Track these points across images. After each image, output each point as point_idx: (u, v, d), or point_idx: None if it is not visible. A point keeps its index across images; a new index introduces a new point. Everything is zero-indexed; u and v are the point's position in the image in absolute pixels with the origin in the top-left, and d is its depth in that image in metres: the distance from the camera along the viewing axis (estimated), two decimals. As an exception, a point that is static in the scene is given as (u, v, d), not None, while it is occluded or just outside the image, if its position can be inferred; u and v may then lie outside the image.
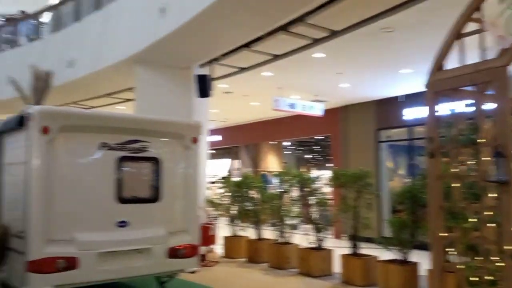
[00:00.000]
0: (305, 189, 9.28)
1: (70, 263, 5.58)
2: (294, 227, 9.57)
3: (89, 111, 12.09)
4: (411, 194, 7.22)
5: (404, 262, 7.24)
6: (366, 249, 8.32)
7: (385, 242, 7.48)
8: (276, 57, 9.13)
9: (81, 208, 5.85)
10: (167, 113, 8.57)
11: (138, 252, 6.10)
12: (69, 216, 5.75)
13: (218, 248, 10.38)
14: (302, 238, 9.36)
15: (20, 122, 5.94)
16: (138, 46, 8.94)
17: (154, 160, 6.46)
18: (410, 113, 12.11)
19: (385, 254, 7.65)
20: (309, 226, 9.21)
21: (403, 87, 11.44)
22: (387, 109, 12.85)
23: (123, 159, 6.17)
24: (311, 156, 30.43)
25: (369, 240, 8.43)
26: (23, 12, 14.99)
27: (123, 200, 6.10)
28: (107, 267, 5.83)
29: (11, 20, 15.42)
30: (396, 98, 12.33)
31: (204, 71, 9.57)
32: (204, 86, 9.27)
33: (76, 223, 5.77)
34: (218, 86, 10.71)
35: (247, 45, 8.51)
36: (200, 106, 9.82)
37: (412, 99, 11.79)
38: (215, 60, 9.39)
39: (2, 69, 12.32)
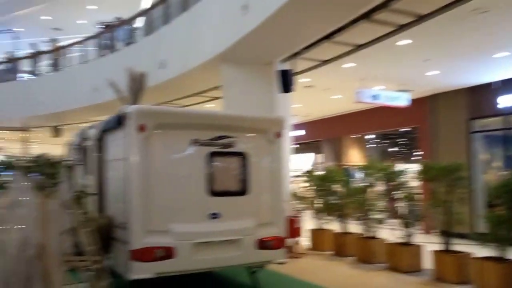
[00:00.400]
0: (391, 183, 9.07)
1: (168, 253, 5.96)
2: (380, 221, 9.40)
3: (181, 109, 12.67)
4: (509, 188, 6.80)
5: (501, 260, 6.84)
6: (459, 245, 7.97)
7: (480, 239, 7.11)
8: (358, 47, 8.95)
9: (176, 201, 6.23)
10: (252, 109, 8.79)
11: (230, 243, 6.37)
12: (166, 209, 6.14)
13: (304, 241, 10.47)
14: (389, 232, 9.17)
15: (119, 121, 6.44)
16: (223, 44, 9.21)
17: (241, 155, 6.70)
18: (506, 101, 11.33)
19: (479, 251, 7.28)
20: (395, 221, 8.99)
21: (498, 72, 10.72)
22: (480, 96, 12.09)
23: (213, 154, 6.47)
24: (396, 149, 29.43)
25: (461, 236, 8.06)
26: (119, 18, 16.06)
27: (214, 193, 6.40)
28: (201, 257, 6.16)
29: (109, 27, 16.58)
30: (490, 84, 11.58)
31: (286, 66, 9.64)
32: (286, 81, 9.35)
33: (172, 215, 6.15)
34: (300, 81, 10.74)
35: (328, 37, 8.41)
36: (282, 101, 9.92)
37: (508, 85, 11.00)
38: (297, 54, 9.42)
39: (103, 73, 13.27)
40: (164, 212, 6.13)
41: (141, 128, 6.06)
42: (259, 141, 6.90)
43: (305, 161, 21.50)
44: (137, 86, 8.78)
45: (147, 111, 6.48)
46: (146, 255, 5.88)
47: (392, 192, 9.09)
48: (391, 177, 9.05)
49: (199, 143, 6.40)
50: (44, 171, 5.31)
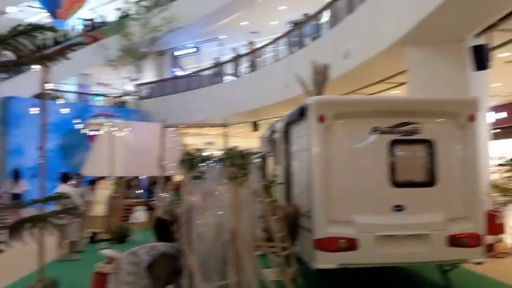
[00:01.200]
0: None
1: (351, 244, 5.87)
2: None
3: (360, 96, 12.42)
4: None
5: None
6: None
7: None
8: None
9: (358, 192, 6.09)
10: (441, 92, 8.07)
11: (416, 237, 5.94)
12: (347, 199, 6.07)
13: (509, 239, 9.12)
14: None
15: (301, 113, 6.62)
16: (406, 26, 8.69)
17: (427, 142, 6.16)
18: None
19: None
20: None
21: None
22: None
23: (395, 142, 6.12)
24: None
25: None
26: (306, 15, 16.55)
27: (397, 184, 6.06)
28: (385, 251, 5.89)
29: (297, 25, 17.25)
30: None
31: (480, 40, 8.57)
32: (481, 58, 8.30)
33: (354, 206, 6.04)
34: (498, 56, 9.40)
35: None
36: (477, 81, 8.88)
37: None
38: (493, 26, 8.26)
39: (293, 69, 13.84)
40: (347, 202, 6.06)
41: (321, 119, 6.10)
42: (449, 126, 6.25)
43: (508, 148, 18.59)
44: (320, 78, 8.92)
45: (327, 101, 6.52)
46: (329, 245, 5.90)
47: None
48: None
49: (379, 131, 6.14)
50: (236, 162, 5.77)
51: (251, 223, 6.03)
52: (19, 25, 2.23)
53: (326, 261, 5.93)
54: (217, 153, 6.15)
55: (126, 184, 14.33)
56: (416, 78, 9.24)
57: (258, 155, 9.13)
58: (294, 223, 7.04)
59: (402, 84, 12.27)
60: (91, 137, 16.34)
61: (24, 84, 15.86)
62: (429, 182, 6.14)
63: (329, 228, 5.95)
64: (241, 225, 5.68)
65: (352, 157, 6.21)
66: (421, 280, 7.36)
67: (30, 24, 2.18)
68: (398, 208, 6.00)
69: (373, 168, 6.16)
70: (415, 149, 6.27)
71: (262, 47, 19.14)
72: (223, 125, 9.94)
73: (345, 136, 6.24)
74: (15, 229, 2.44)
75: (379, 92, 13.75)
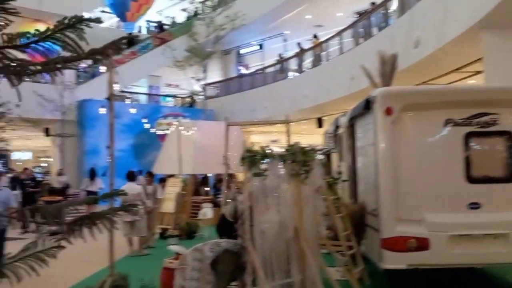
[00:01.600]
0: None
1: (421, 244, 5.53)
2: None
3: (431, 86, 11.78)
4: None
5: None
6: None
7: None
8: None
9: (429, 188, 5.73)
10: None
11: (493, 237, 5.50)
12: (417, 196, 5.72)
13: None
14: None
15: (367, 106, 6.33)
16: (482, 10, 8.09)
17: (506, 134, 5.67)
18: None
19: None
20: None
21: None
22: None
23: (470, 135, 5.68)
24: None
25: None
26: (373, 4, 15.96)
27: (473, 180, 5.62)
28: (459, 251, 5.51)
29: (363, 15, 16.68)
30: None
31: None
32: None
33: (424, 203, 5.69)
34: None
35: None
36: None
37: None
38: None
39: (359, 61, 13.47)
40: (417, 200, 5.72)
41: (388, 111, 5.80)
42: (533, 117, 5.69)
43: None
44: (388, 69, 8.53)
45: (394, 93, 6.20)
46: (398, 244, 5.60)
47: None
48: None
49: (453, 123, 5.73)
50: (298, 159, 5.63)
51: (314, 221, 5.87)
52: (65, 18, 2.24)
53: (394, 261, 5.64)
54: (280, 150, 6.03)
55: (195, 181, 14.64)
56: (493, 65, 8.57)
57: (321, 152, 8.93)
58: (360, 221, 6.79)
59: (478, 73, 11.50)
60: (162, 137, 16.91)
61: (99, 87, 16.70)
62: (508, 177, 5.65)
63: (398, 227, 5.65)
64: (304, 222, 5.53)
65: (423, 152, 5.84)
66: (500, 283, 6.81)
67: (75, 16, 2.18)
68: (474, 206, 5.57)
69: (446, 163, 5.76)
70: (492, 142, 5.79)
71: (327, 40, 18.74)
72: (286, 122, 9.83)
73: (415, 129, 5.88)
74: (74, 226, 2.47)
75: (452, 82, 12.98)
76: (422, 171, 5.78)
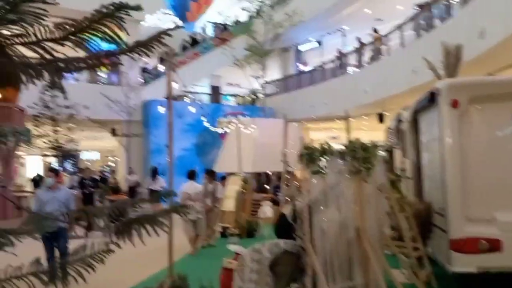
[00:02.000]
0: None
1: (493, 245, 5.20)
2: None
3: (501, 77, 11.06)
4: None
5: None
6: None
7: None
8: None
9: (500, 185, 5.38)
10: None
11: None
12: (488, 194, 5.38)
13: None
14: None
15: (431, 99, 6.01)
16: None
17: None
18: None
19: None
20: None
21: None
22: None
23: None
24: None
25: None
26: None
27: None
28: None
29: (425, 6, 15.95)
30: None
31: None
32: None
33: (496, 201, 5.35)
34: None
35: None
36: None
37: None
38: None
39: (421, 54, 12.96)
40: (487, 198, 5.38)
41: (454, 104, 5.47)
42: None
43: None
44: (452, 60, 8.08)
45: (460, 84, 5.84)
46: (467, 246, 5.29)
47: None
48: None
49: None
50: (358, 155, 5.43)
51: (377, 220, 5.63)
52: (103, 6, 2.16)
53: (463, 264, 5.32)
54: (339, 146, 5.83)
55: (258, 179, 14.65)
56: None
57: (383, 148, 8.57)
58: (426, 221, 6.45)
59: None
60: (223, 135, 17.11)
61: (163, 88, 17.08)
62: None
63: (467, 227, 5.33)
64: (366, 222, 5.32)
65: (493, 147, 5.46)
66: None
67: (113, 3, 2.10)
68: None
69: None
70: None
71: (386, 34, 18.11)
72: (346, 118, 9.55)
73: (484, 122, 5.53)
74: (122, 228, 2.42)
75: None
76: (492, 167, 5.42)
